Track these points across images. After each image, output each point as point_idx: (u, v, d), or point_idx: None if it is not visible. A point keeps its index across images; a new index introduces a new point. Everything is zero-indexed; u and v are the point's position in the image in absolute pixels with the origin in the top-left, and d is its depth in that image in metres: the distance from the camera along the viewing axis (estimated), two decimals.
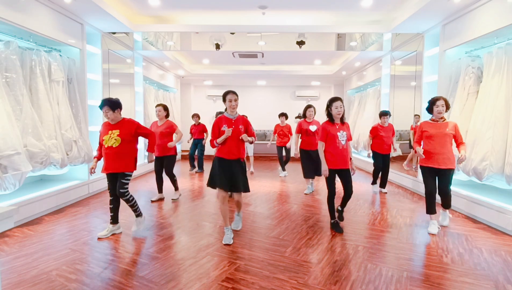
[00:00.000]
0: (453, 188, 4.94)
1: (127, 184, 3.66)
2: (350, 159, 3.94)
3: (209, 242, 3.50)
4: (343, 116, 3.92)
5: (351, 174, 3.92)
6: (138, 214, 3.83)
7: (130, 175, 3.69)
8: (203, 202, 5.25)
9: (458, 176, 4.83)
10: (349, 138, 3.95)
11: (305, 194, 5.90)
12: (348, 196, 3.92)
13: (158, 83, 9.41)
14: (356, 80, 10.07)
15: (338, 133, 3.85)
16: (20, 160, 3.76)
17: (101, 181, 5.85)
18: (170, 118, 5.47)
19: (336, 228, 3.94)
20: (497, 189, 4.71)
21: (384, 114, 5.82)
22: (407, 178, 6.41)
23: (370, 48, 7.46)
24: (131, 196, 3.70)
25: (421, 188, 5.85)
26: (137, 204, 3.79)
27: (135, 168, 3.71)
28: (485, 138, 4.14)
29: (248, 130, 3.69)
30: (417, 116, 6.44)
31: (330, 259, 3.08)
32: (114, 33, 6.42)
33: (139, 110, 7.92)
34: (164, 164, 5.26)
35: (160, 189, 5.40)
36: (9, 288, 2.53)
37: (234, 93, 3.62)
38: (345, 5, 5.72)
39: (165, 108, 5.30)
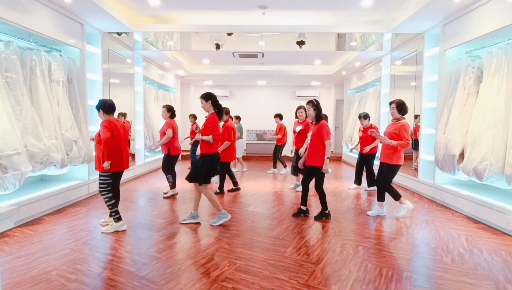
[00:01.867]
0: (453, 188, 4.99)
1: (102, 183, 3.72)
2: (327, 158, 4.24)
3: (209, 242, 3.50)
4: (317, 117, 4.28)
5: (325, 174, 4.28)
6: (114, 218, 3.79)
7: (103, 175, 3.71)
8: (203, 202, 5.24)
9: (458, 176, 4.83)
10: (322, 137, 4.21)
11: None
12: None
13: (158, 83, 9.41)
14: (356, 80, 10.07)
15: (308, 133, 4.41)
16: (20, 160, 3.76)
17: None
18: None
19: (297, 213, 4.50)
20: (497, 189, 4.71)
21: (358, 116, 6.30)
22: (407, 178, 6.41)
23: (370, 48, 7.46)
24: (106, 197, 3.73)
25: (421, 188, 5.85)
26: (113, 208, 3.76)
27: (100, 170, 3.71)
28: (485, 138, 4.14)
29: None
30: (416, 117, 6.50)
31: (330, 259, 3.08)
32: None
33: (139, 110, 7.91)
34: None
35: (171, 186, 5.68)
36: (9, 288, 2.53)
37: None
38: (345, 5, 5.72)
39: (169, 109, 5.54)
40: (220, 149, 5.44)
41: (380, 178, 4.42)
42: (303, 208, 4.48)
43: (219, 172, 5.79)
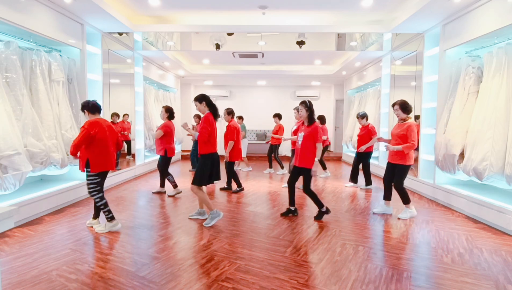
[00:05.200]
0: (453, 188, 4.99)
1: (91, 184, 3.68)
2: (317, 160, 4.19)
3: (209, 242, 3.50)
4: (309, 118, 4.21)
5: (312, 175, 4.23)
6: (107, 218, 3.76)
7: (90, 176, 3.67)
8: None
9: (458, 176, 4.83)
10: (315, 140, 4.16)
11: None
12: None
13: (158, 83, 9.41)
14: (356, 80, 10.07)
15: (299, 134, 4.30)
16: (20, 160, 3.76)
17: None
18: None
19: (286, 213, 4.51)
20: (497, 189, 4.71)
21: (356, 116, 6.38)
22: (407, 178, 6.38)
23: (370, 48, 7.46)
24: (97, 197, 3.71)
25: (421, 188, 5.85)
26: (105, 208, 3.73)
27: (82, 170, 3.68)
28: (486, 138, 4.14)
29: None
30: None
31: (330, 259, 3.08)
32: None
33: (139, 110, 7.92)
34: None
35: (173, 185, 5.71)
36: (9, 288, 2.53)
37: None
38: (345, 5, 5.72)
39: (167, 110, 5.59)
40: (227, 150, 5.73)
41: (397, 179, 4.36)
42: (292, 208, 4.49)
43: (226, 169, 5.95)
